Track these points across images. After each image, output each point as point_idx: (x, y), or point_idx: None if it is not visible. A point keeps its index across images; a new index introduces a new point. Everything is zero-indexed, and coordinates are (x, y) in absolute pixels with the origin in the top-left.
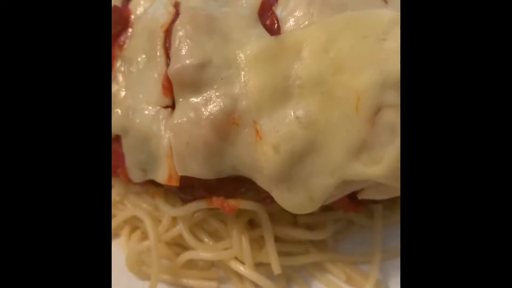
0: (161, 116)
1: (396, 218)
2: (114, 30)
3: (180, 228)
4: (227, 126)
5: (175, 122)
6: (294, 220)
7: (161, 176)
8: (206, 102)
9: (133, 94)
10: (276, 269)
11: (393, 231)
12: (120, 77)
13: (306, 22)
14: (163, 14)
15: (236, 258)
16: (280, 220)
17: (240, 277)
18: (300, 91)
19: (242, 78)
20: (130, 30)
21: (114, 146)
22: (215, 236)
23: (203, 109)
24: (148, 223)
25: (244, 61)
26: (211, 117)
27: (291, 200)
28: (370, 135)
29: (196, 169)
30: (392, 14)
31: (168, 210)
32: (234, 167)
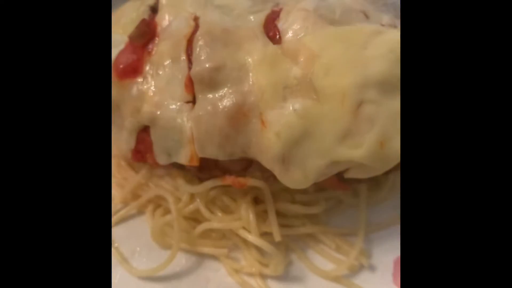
0: (184, 110)
1: (377, 197)
2: (143, 39)
3: (197, 204)
4: (238, 117)
5: (196, 114)
6: (292, 198)
7: (184, 158)
8: (221, 98)
9: (160, 92)
10: (277, 236)
11: (376, 208)
12: (149, 78)
13: (303, 34)
14: (185, 26)
15: (244, 228)
16: (281, 197)
17: (247, 244)
18: (297, 89)
19: (250, 79)
20: (157, 39)
21: (142, 135)
22: (226, 211)
23: (219, 104)
24: (170, 200)
25: (251, 65)
26: (225, 109)
27: (290, 177)
28: (353, 124)
29: (213, 152)
30: (372, 28)
31: (188, 188)
32: (243, 150)
